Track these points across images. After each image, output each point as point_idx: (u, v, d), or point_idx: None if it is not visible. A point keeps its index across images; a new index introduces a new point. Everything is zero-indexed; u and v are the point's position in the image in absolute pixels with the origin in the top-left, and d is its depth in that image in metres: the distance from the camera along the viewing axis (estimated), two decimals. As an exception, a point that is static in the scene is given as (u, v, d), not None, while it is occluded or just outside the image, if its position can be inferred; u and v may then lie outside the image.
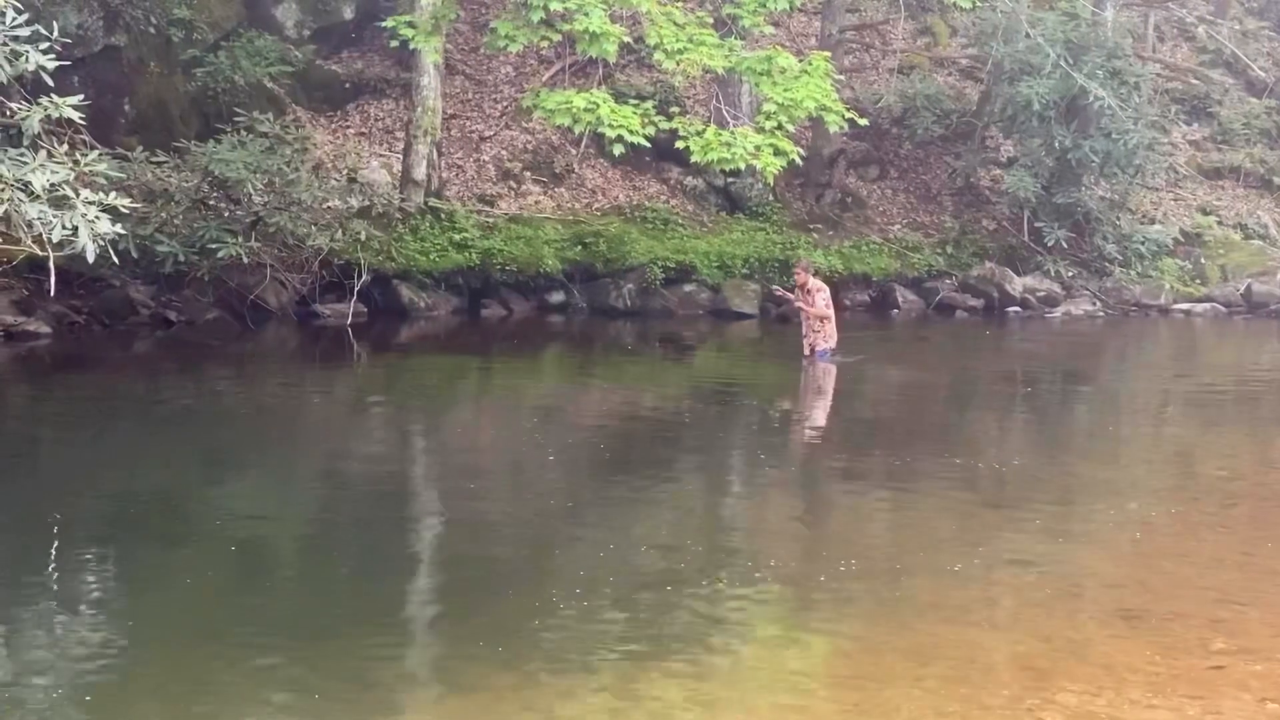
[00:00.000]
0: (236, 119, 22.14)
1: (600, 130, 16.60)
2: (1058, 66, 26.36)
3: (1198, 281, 29.13)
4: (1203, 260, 29.52)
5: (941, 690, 7.39)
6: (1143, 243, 28.70)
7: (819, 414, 16.81)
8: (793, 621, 8.74)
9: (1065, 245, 27.93)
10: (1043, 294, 27.76)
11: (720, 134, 16.69)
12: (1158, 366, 22.39)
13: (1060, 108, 27.08)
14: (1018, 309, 27.41)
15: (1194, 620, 8.62)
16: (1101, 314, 27.63)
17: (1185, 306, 28.37)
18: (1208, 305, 28.55)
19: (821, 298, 19.06)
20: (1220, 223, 30.66)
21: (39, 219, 10.98)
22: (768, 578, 9.45)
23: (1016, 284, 27.73)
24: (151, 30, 23.17)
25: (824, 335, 18.99)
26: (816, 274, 20.29)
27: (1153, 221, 29.75)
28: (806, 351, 19.03)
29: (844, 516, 11.60)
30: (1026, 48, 27.06)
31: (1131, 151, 27.15)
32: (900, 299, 27.27)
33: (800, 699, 7.36)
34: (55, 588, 9.00)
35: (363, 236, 22.20)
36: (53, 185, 11.13)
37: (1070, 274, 28.11)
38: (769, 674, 7.80)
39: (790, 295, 19.75)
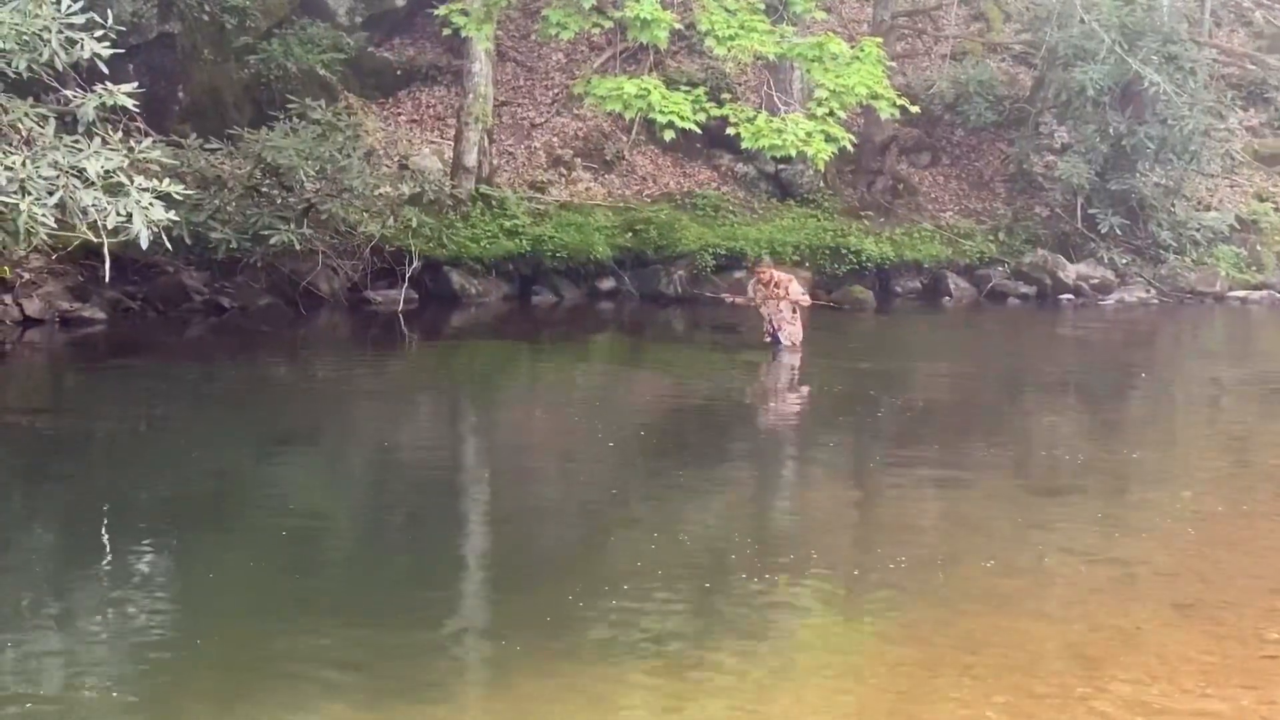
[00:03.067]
0: (289, 106, 22.22)
1: (651, 117, 16.57)
2: (1113, 52, 26.11)
3: (1254, 269, 28.83)
4: (1259, 247, 29.20)
5: (992, 678, 7.35)
6: (1198, 229, 28.43)
7: (868, 401, 16.71)
8: (842, 609, 8.71)
9: (1119, 232, 27.69)
10: (1096, 281, 27.55)
11: (771, 120, 16.64)
12: (1213, 355, 22.19)
13: (1115, 93, 26.83)
14: (1071, 296, 27.22)
15: (1248, 610, 8.54)
16: (1156, 301, 27.39)
17: (1241, 294, 28.10)
18: (1264, 293, 28.26)
19: (795, 287, 18.92)
20: (1277, 209, 30.32)
21: (94, 206, 11.09)
22: (817, 565, 9.42)
23: (1070, 271, 27.54)
24: (205, 18, 23.32)
25: (796, 326, 18.86)
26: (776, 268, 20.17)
27: (1208, 208, 29.46)
28: (786, 342, 18.78)
29: (894, 504, 11.55)
30: (1081, 33, 26.82)
31: (1187, 137, 26.89)
32: (952, 286, 27.12)
33: (850, 686, 7.34)
34: (110, 569, 9.09)
35: (414, 223, 22.27)
36: (108, 172, 11.24)
37: (1124, 261, 27.88)
38: (818, 661, 7.79)
39: (741, 301, 19.65)
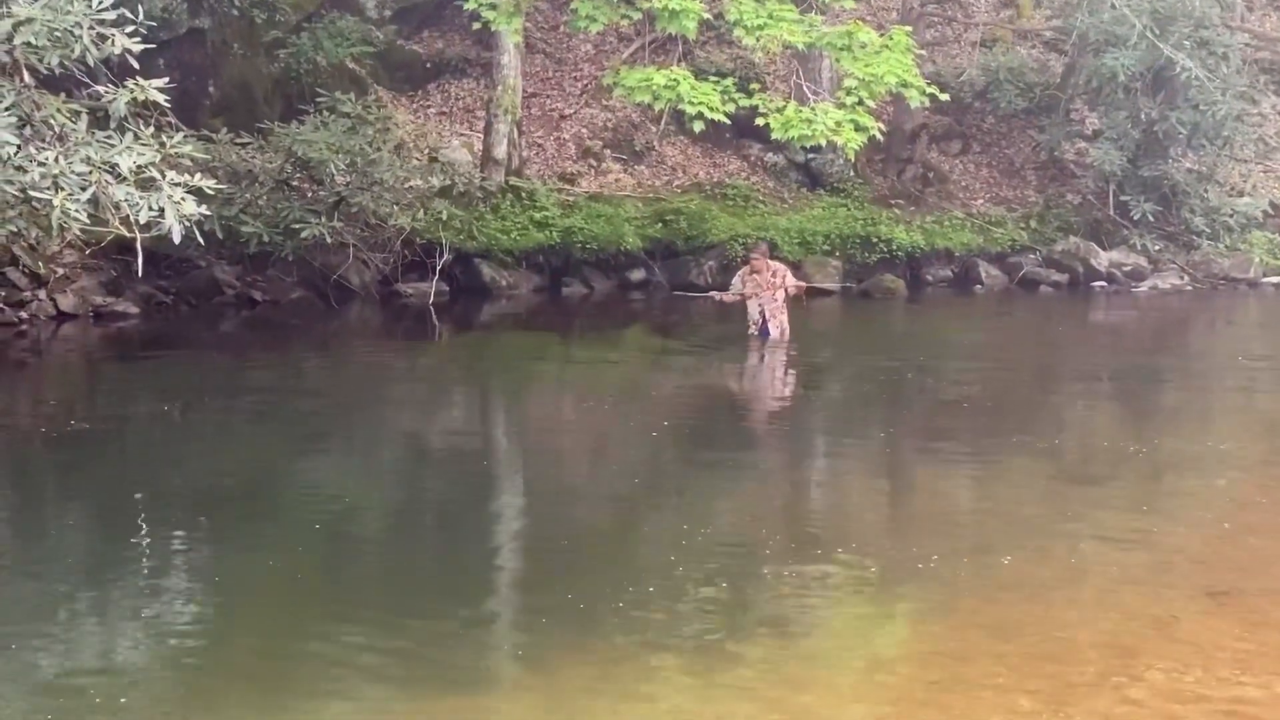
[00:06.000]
0: (319, 100, 22.29)
1: (680, 107, 16.55)
2: (1144, 37, 25.94)
3: (1288, 254, 28.67)
4: (1292, 233, 29.04)
5: (1025, 667, 7.34)
6: (1231, 215, 28.26)
7: (898, 391, 16.69)
8: (874, 598, 8.71)
9: (1152, 218, 27.53)
10: (1129, 268, 27.42)
11: (801, 110, 16.59)
12: (1247, 341, 22.05)
13: (1146, 79, 26.70)
14: (1103, 283, 27.10)
15: (1284, 597, 8.51)
16: (1189, 288, 27.25)
17: (1275, 280, 27.92)
18: (1298, 279, 28.10)
19: (790, 278, 18.67)
20: (1311, 194, 30.13)
21: (126, 201, 11.14)
22: (849, 555, 9.41)
23: (1102, 258, 27.41)
24: (235, 12, 23.38)
25: (785, 317, 18.58)
26: (774, 256, 19.84)
27: (1241, 194, 29.28)
28: (775, 334, 18.49)
29: (926, 493, 11.54)
30: (1112, 19, 26.66)
31: (1219, 123, 26.73)
32: (983, 274, 27.04)
33: (882, 675, 7.34)
34: (144, 563, 9.14)
35: (444, 216, 22.30)
36: (139, 167, 11.29)
37: (1157, 248, 27.73)
38: (851, 650, 7.78)
39: (729, 298, 19.33)
